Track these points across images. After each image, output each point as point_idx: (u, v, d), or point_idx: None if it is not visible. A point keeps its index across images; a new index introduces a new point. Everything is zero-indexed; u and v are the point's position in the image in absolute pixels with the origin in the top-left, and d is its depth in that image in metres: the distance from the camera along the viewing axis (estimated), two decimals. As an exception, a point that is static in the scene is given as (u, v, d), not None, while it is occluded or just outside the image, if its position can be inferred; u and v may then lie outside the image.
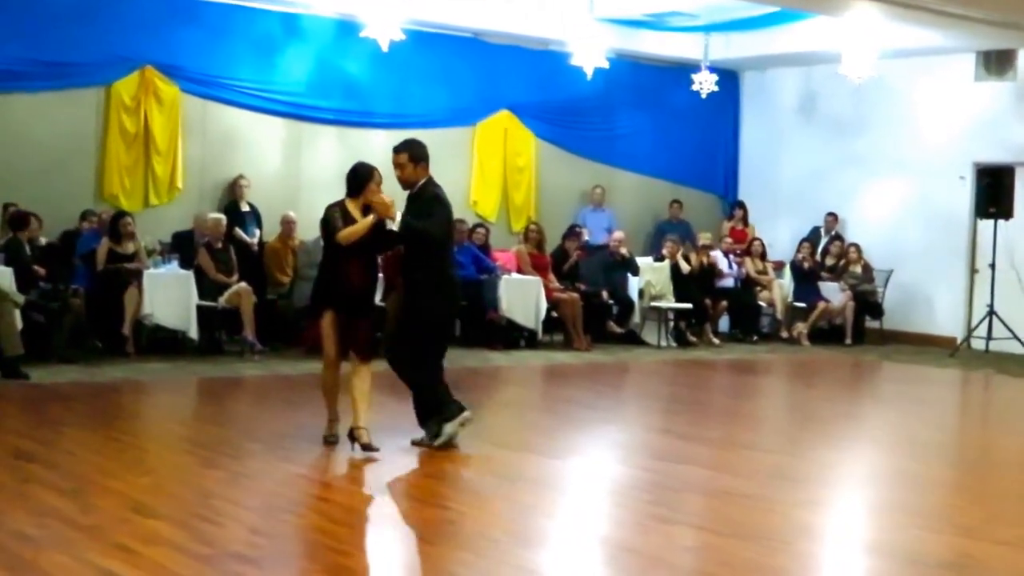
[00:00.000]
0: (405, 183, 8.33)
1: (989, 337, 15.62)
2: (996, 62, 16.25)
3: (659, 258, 16.47)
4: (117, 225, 12.74)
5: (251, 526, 6.20)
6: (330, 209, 8.23)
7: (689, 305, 15.88)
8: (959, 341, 16.26)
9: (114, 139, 13.82)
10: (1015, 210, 15.52)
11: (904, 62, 16.51)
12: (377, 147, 15.15)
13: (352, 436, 8.02)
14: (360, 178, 8.21)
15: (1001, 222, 15.57)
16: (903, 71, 16.74)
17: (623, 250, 15.91)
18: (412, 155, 8.30)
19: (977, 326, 15.95)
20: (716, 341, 16.10)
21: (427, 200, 8.23)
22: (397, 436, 8.30)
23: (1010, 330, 15.44)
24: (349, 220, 8.11)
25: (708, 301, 16.24)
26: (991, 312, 15.57)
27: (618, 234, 16.17)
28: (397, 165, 8.31)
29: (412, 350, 8.24)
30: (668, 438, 9.48)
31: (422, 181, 8.31)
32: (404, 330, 8.25)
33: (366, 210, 8.13)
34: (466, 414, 8.29)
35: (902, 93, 17.18)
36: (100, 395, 10.40)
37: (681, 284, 16.11)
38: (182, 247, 13.37)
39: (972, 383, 13.99)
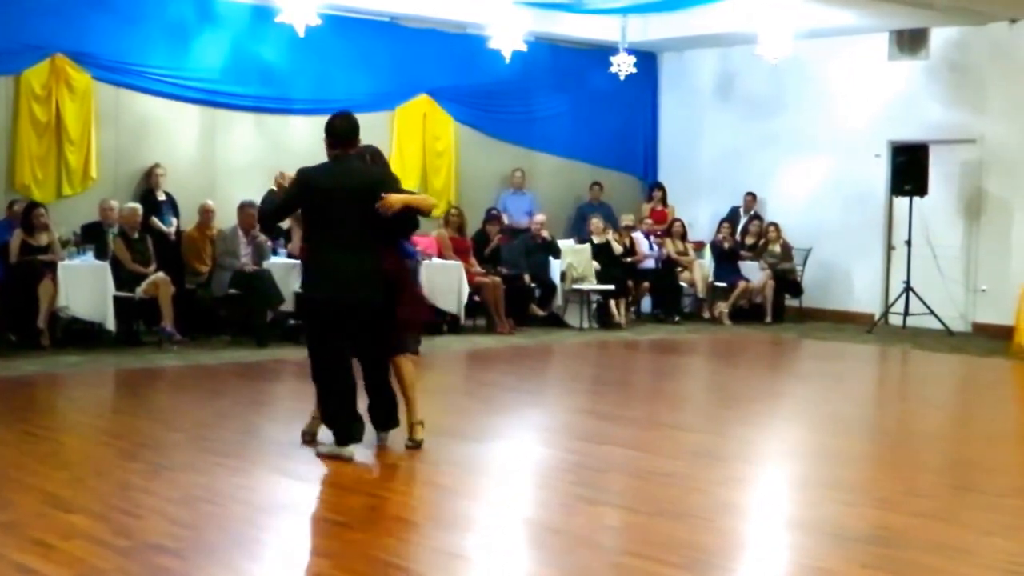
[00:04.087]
0: None
1: (906, 313, 15.83)
2: (909, 41, 16.45)
3: (581, 240, 16.51)
4: (30, 216, 12.52)
5: (172, 517, 6.12)
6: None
7: (611, 287, 15.90)
8: (877, 317, 16.47)
9: (25, 129, 13.53)
10: (930, 187, 15.72)
11: (819, 42, 16.66)
12: (295, 133, 15.09)
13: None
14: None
15: (916, 199, 15.77)
16: (818, 51, 16.90)
17: (544, 233, 15.92)
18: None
19: (894, 302, 16.17)
20: (623, 321, 16.07)
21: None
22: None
23: (926, 305, 15.65)
24: None
25: (630, 282, 16.30)
26: (908, 288, 15.78)
27: (539, 217, 16.18)
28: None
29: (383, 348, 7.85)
30: (591, 419, 9.50)
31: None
32: (387, 322, 7.76)
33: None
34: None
35: (817, 73, 17.34)
36: (15, 389, 10.20)
37: (609, 265, 16.12)
38: (93, 237, 13.12)
39: (890, 358, 14.18)
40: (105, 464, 7.43)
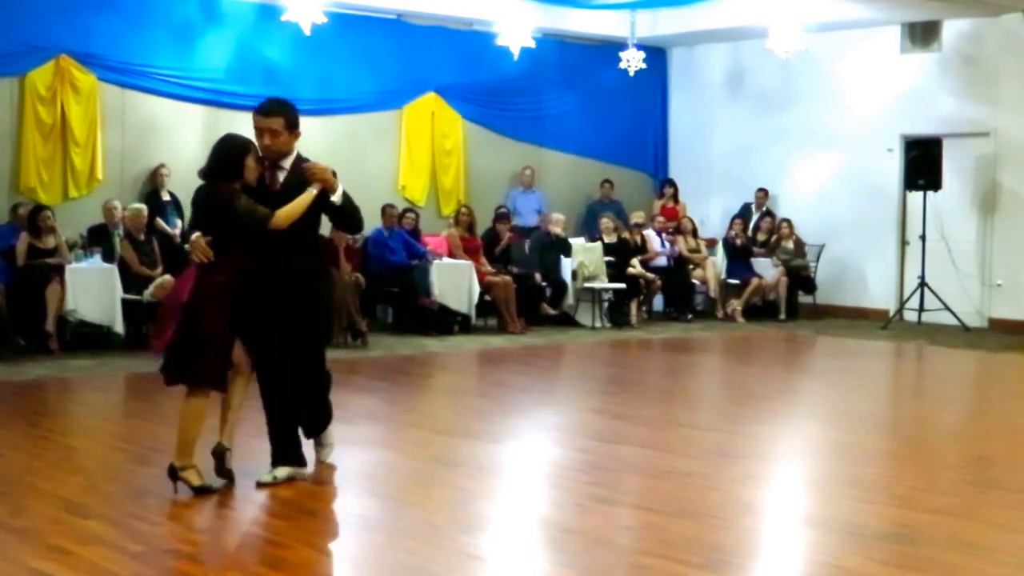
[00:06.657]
0: (274, 155, 6.71)
1: (921, 309, 15.73)
2: (921, 33, 16.36)
3: (592, 238, 16.42)
4: (36, 219, 12.46)
5: (187, 522, 6.11)
6: (228, 194, 6.52)
7: (623, 285, 15.81)
8: (891, 313, 16.38)
9: (30, 131, 13.50)
10: (943, 181, 15.61)
11: (830, 36, 16.59)
12: (302, 133, 14.96)
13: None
14: (237, 156, 6.60)
15: (930, 194, 15.67)
16: (830, 45, 16.81)
17: (557, 230, 15.86)
18: (289, 121, 6.71)
19: (909, 298, 16.06)
20: (635, 320, 16.01)
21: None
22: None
23: (941, 301, 15.55)
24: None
25: (643, 280, 16.22)
26: (922, 284, 15.68)
27: (556, 215, 16.13)
28: (268, 131, 6.66)
29: (319, 347, 7.06)
30: (605, 419, 9.42)
31: (294, 155, 6.80)
32: (312, 326, 6.96)
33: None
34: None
35: (829, 67, 17.25)
36: (25, 394, 10.16)
37: (624, 263, 16.03)
38: (100, 240, 13.06)
39: (905, 355, 14.09)
40: (118, 469, 7.37)
